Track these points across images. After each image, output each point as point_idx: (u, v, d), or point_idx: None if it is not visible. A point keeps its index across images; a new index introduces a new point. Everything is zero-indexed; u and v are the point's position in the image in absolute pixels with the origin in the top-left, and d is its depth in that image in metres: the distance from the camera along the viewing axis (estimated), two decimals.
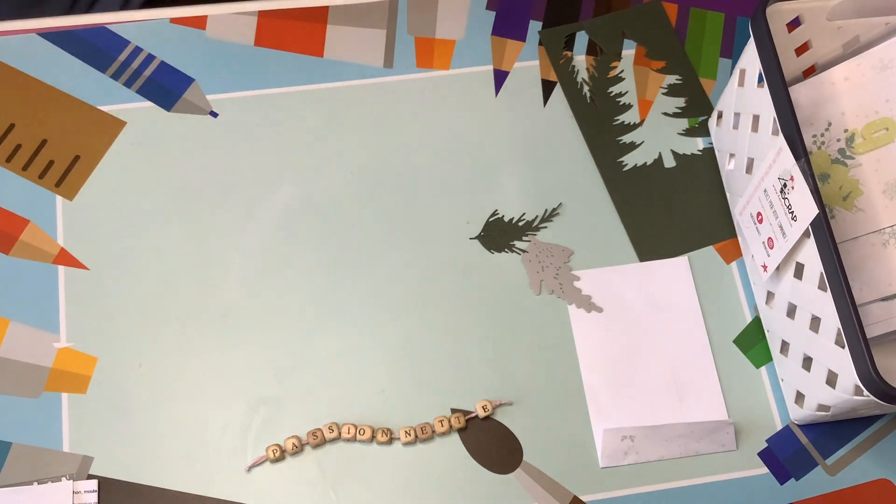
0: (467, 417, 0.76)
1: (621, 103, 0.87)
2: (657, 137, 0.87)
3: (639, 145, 0.86)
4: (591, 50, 0.89)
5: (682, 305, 0.81)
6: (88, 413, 0.75)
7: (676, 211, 0.84)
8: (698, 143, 0.86)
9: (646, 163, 0.85)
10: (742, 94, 0.79)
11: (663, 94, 0.88)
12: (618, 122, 0.86)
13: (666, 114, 0.87)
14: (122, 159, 0.83)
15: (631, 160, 0.85)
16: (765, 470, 0.77)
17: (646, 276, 0.82)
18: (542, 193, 0.84)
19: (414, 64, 0.88)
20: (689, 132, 0.86)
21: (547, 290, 0.80)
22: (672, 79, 0.89)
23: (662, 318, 0.80)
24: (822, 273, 0.68)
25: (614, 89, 0.88)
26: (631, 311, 0.80)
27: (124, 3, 0.87)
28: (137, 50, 0.86)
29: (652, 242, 0.83)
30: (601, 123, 0.86)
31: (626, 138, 0.86)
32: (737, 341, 0.81)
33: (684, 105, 0.88)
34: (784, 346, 0.78)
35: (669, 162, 0.86)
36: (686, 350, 0.79)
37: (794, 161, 0.69)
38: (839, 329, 0.67)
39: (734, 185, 0.83)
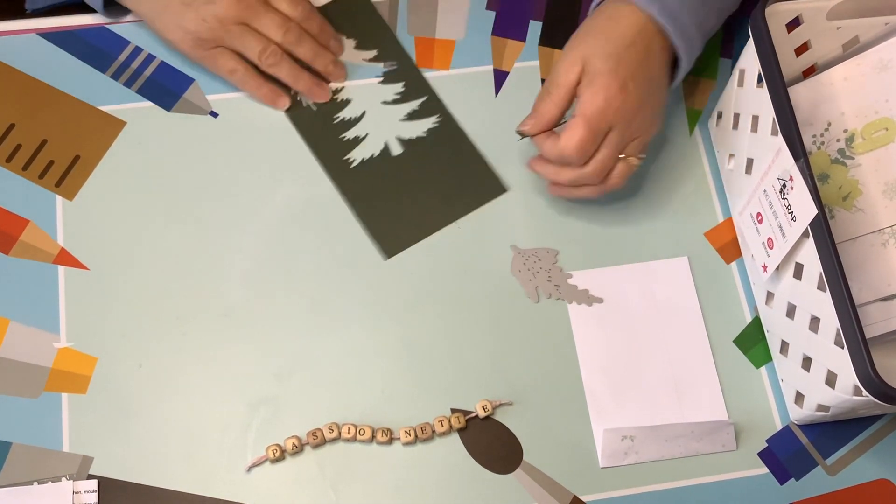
0: (467, 417, 0.76)
1: (338, 100, 0.86)
2: (380, 128, 0.86)
3: (363, 139, 0.85)
4: None
5: (682, 305, 0.81)
6: (88, 413, 0.75)
7: (410, 196, 0.83)
8: (424, 125, 0.85)
9: (373, 154, 0.84)
10: (742, 94, 0.79)
11: (379, 82, 0.87)
12: (338, 120, 0.85)
13: (386, 102, 0.87)
14: (122, 159, 0.83)
15: (357, 155, 0.84)
16: (765, 470, 0.77)
17: (645, 275, 0.82)
18: (542, 193, 0.84)
19: (414, 64, 0.88)
20: (412, 116, 0.86)
21: (544, 294, 0.80)
22: (387, 66, 0.88)
23: (662, 318, 0.80)
24: (821, 273, 0.68)
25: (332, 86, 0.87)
26: (631, 311, 0.80)
27: None
28: (137, 50, 0.86)
29: (394, 233, 0.82)
30: (323, 125, 0.85)
31: (349, 134, 0.85)
32: (737, 341, 0.81)
33: (403, 90, 0.87)
34: (784, 346, 0.78)
35: (396, 150, 0.85)
36: (686, 350, 0.79)
37: (794, 161, 0.69)
38: (838, 329, 0.67)
39: (734, 186, 0.83)
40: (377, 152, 0.84)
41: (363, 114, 0.86)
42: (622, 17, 0.73)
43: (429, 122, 0.86)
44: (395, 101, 0.86)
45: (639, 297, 0.81)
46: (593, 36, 0.73)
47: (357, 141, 0.85)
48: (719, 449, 0.76)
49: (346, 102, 0.86)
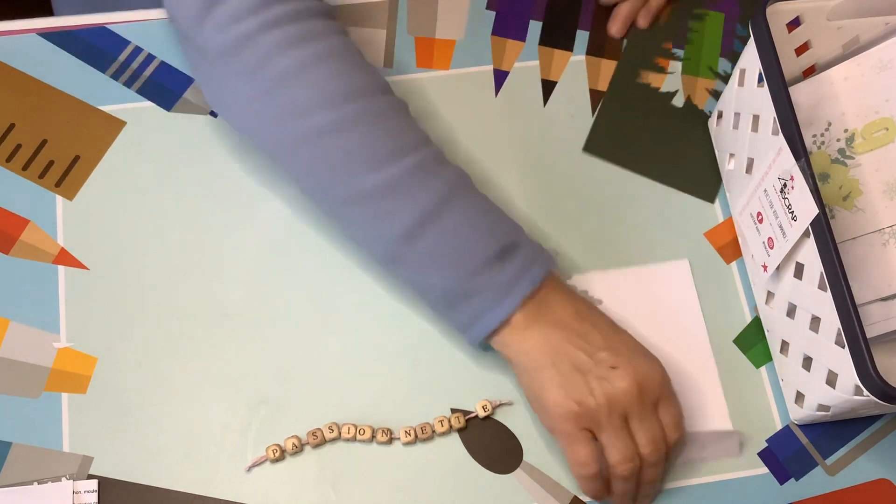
0: (467, 417, 0.76)
1: None
2: None
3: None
4: (593, 49, 0.89)
5: (683, 309, 0.81)
6: (88, 413, 0.75)
7: None
8: None
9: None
10: (742, 94, 0.79)
11: None
12: None
13: None
14: (122, 159, 0.83)
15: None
16: (765, 470, 0.77)
17: (646, 279, 0.82)
18: (541, 194, 0.84)
19: (414, 64, 0.88)
20: None
21: None
22: None
23: (663, 322, 0.80)
24: (821, 273, 0.68)
25: None
26: (630, 314, 0.80)
27: None
28: (137, 50, 0.86)
29: None
30: None
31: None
32: (737, 341, 0.81)
33: None
34: (784, 346, 0.78)
35: None
36: (687, 356, 0.79)
37: (794, 161, 0.69)
38: (839, 329, 0.67)
39: (734, 186, 0.83)
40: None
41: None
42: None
43: None
44: None
45: (639, 300, 0.80)
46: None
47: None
48: (722, 456, 0.76)
49: None
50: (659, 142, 0.87)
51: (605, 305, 0.80)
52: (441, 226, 0.70)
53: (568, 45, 0.90)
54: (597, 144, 0.86)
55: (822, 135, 0.78)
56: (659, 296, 0.81)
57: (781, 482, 0.77)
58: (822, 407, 0.73)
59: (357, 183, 0.70)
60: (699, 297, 0.81)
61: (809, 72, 0.82)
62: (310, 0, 0.72)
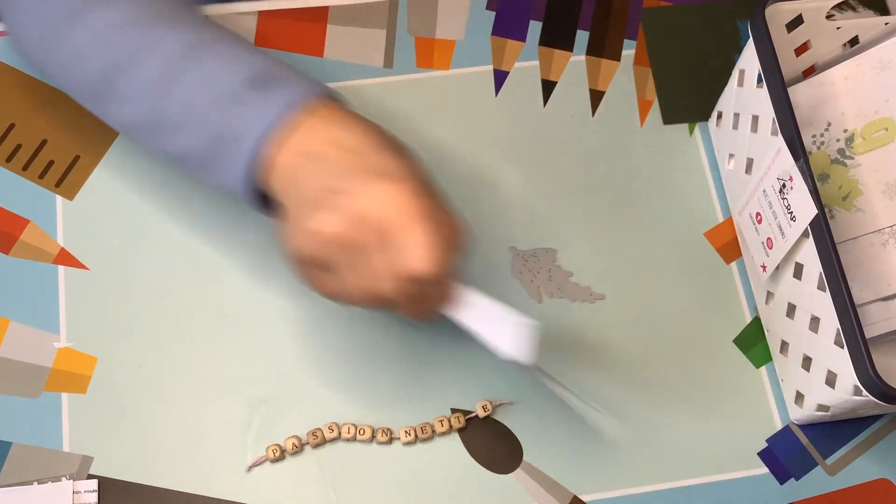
0: (467, 417, 0.76)
1: None
2: None
3: None
4: (593, 50, 0.89)
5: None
6: (88, 413, 0.75)
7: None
8: None
9: None
10: (741, 94, 0.79)
11: None
12: None
13: None
14: (122, 159, 0.83)
15: None
16: (765, 470, 0.77)
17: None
18: (541, 193, 0.84)
19: (414, 64, 0.88)
20: None
21: (546, 294, 0.80)
22: None
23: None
24: (821, 273, 0.68)
25: None
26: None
27: None
28: None
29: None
30: None
31: None
32: (737, 341, 0.81)
33: None
34: (784, 346, 0.78)
35: None
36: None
37: (794, 161, 0.69)
38: (838, 329, 0.67)
39: (733, 186, 0.83)
40: None
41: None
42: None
43: None
44: None
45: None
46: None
47: None
48: (516, 348, 0.69)
49: None
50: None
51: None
52: (199, 66, 0.67)
53: (568, 45, 0.90)
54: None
55: (821, 135, 0.78)
56: None
57: (781, 482, 0.77)
58: (821, 407, 0.73)
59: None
60: (699, 298, 0.81)
61: (809, 72, 0.82)
62: None
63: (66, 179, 0.82)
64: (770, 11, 0.74)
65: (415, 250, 0.61)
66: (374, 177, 0.61)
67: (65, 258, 0.79)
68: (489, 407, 0.76)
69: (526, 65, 0.89)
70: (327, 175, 0.62)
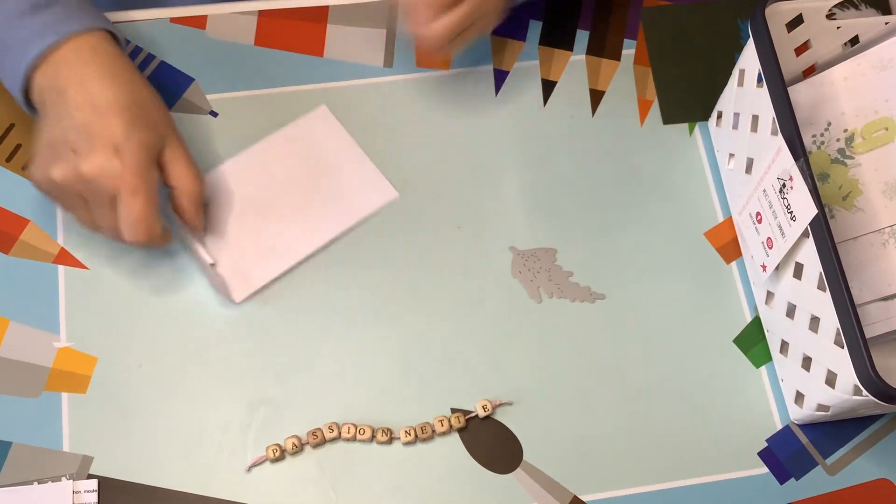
0: (467, 417, 0.76)
1: None
2: None
3: None
4: (593, 49, 0.89)
5: (339, 146, 0.81)
6: (88, 413, 0.75)
7: None
8: None
9: None
10: (742, 94, 0.79)
11: None
12: None
13: None
14: None
15: None
16: (765, 470, 0.77)
17: (295, 134, 0.83)
18: (540, 192, 0.84)
19: (414, 64, 0.88)
20: None
21: (546, 294, 0.80)
22: None
23: (329, 161, 0.83)
24: (821, 273, 0.68)
25: None
26: (298, 173, 0.82)
27: None
28: (137, 50, 0.86)
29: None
30: None
31: None
32: (737, 341, 0.81)
33: None
34: (784, 346, 0.78)
35: None
36: (345, 163, 0.82)
37: (794, 161, 0.69)
38: (838, 329, 0.67)
39: (734, 186, 0.83)
40: None
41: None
42: None
43: None
44: None
45: (299, 157, 0.83)
46: None
47: None
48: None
49: None
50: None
51: (271, 173, 0.82)
52: None
53: (568, 45, 0.90)
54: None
55: (821, 135, 0.78)
56: (316, 144, 0.83)
57: (781, 482, 0.77)
58: (821, 407, 0.73)
59: None
60: (700, 298, 0.81)
61: (809, 72, 0.82)
62: None
63: None
64: (770, 11, 0.74)
65: (127, 217, 0.71)
66: (104, 145, 0.70)
67: (65, 258, 0.79)
68: (489, 407, 0.76)
69: (526, 64, 0.89)
70: (69, 123, 0.71)
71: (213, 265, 0.77)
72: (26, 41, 0.72)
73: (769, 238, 0.74)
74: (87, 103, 0.71)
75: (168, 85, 0.85)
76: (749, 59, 0.77)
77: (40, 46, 0.72)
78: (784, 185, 0.71)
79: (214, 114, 0.84)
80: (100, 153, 0.70)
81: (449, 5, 0.75)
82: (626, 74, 0.89)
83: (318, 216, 0.81)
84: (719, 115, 0.85)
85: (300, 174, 0.82)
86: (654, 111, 0.88)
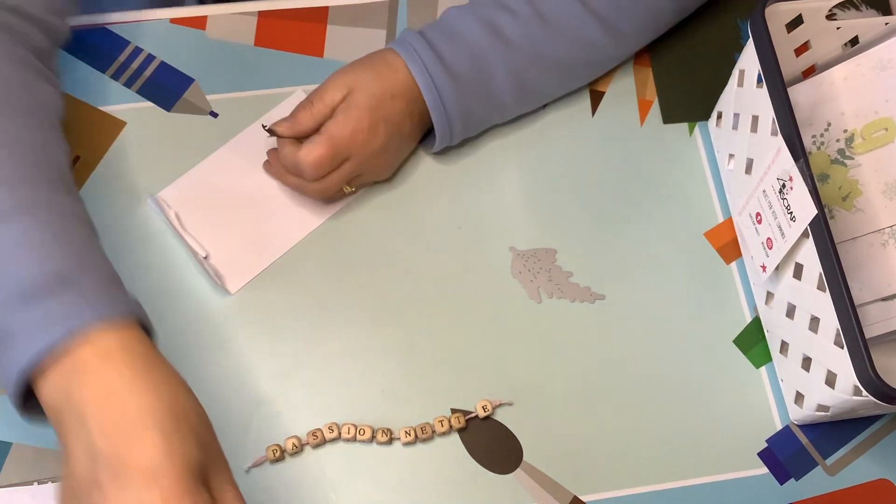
0: (467, 417, 0.76)
1: None
2: None
3: None
4: None
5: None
6: None
7: None
8: None
9: None
10: (741, 94, 0.79)
11: None
12: None
13: None
14: (122, 159, 0.83)
15: None
16: (765, 470, 0.77)
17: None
18: (540, 192, 0.84)
19: None
20: None
21: (546, 294, 0.80)
22: None
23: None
24: (821, 273, 0.68)
25: None
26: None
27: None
28: (137, 50, 0.86)
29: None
30: None
31: None
32: (737, 341, 0.81)
33: None
34: (784, 346, 0.78)
35: None
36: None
37: (793, 161, 0.69)
38: (838, 329, 0.67)
39: (733, 186, 0.83)
40: None
41: None
42: (399, 70, 0.77)
43: None
44: None
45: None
46: (369, 72, 0.77)
47: None
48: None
49: None
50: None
51: (259, 162, 0.82)
52: None
53: None
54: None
55: (821, 135, 0.78)
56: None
57: (781, 482, 0.77)
58: (821, 407, 0.73)
59: None
60: (699, 298, 0.81)
61: (809, 72, 0.82)
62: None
63: None
64: (770, 11, 0.74)
65: None
66: (139, 477, 0.55)
67: None
68: (489, 407, 0.76)
69: None
70: (93, 456, 0.55)
71: (206, 257, 0.78)
72: (26, 335, 0.57)
73: (769, 238, 0.75)
74: (113, 426, 0.56)
75: (168, 85, 0.85)
76: (749, 60, 0.77)
77: (41, 345, 0.56)
78: (784, 186, 0.71)
79: (214, 114, 0.84)
80: (132, 489, 0.55)
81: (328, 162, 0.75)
82: (626, 74, 0.89)
83: (308, 202, 0.81)
84: (719, 116, 0.85)
85: None
86: (654, 111, 0.88)
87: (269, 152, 0.82)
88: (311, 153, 0.75)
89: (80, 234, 0.63)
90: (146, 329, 0.62)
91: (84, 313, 0.57)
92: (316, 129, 0.77)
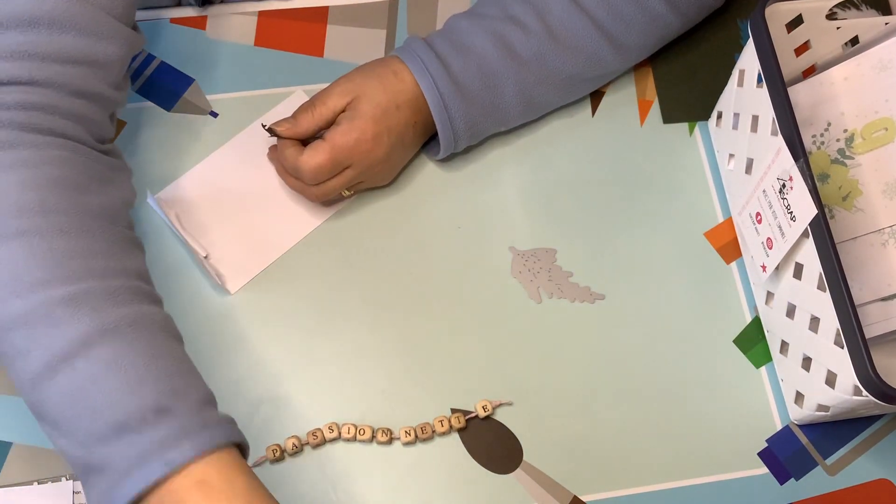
0: (467, 417, 0.76)
1: None
2: None
3: None
4: None
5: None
6: None
7: None
8: None
9: None
10: (741, 94, 0.79)
11: None
12: None
13: None
14: None
15: None
16: (765, 470, 0.77)
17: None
18: (540, 192, 0.84)
19: None
20: None
21: (546, 294, 0.81)
22: None
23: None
24: (821, 273, 0.68)
25: None
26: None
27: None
28: None
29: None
30: None
31: None
32: (737, 341, 0.81)
33: None
34: (784, 346, 0.78)
35: None
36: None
37: (793, 161, 0.69)
38: (838, 329, 0.67)
39: (733, 186, 0.83)
40: None
41: None
42: (405, 81, 0.76)
43: None
44: None
45: None
46: (375, 80, 0.76)
47: None
48: None
49: None
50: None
51: (258, 162, 0.82)
52: (73, 375, 0.57)
53: None
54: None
55: (821, 135, 0.78)
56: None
57: (781, 482, 0.77)
58: (821, 407, 0.73)
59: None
60: (699, 298, 0.81)
61: (809, 72, 0.82)
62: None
63: None
64: (770, 11, 0.74)
65: None
66: None
67: None
68: (489, 407, 0.76)
69: None
70: None
71: (206, 257, 0.78)
72: (122, 468, 0.56)
73: (769, 238, 0.74)
74: None
75: (168, 85, 0.85)
76: (749, 60, 0.77)
77: (139, 481, 0.56)
78: (784, 186, 0.71)
79: (214, 114, 0.84)
80: None
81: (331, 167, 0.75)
82: (626, 74, 0.89)
83: (308, 202, 0.81)
84: (719, 116, 0.85)
85: None
86: (654, 111, 0.88)
87: (270, 148, 0.82)
88: (311, 159, 0.75)
89: (171, 353, 0.61)
90: (240, 447, 0.61)
91: (182, 445, 0.56)
92: (316, 132, 0.77)
